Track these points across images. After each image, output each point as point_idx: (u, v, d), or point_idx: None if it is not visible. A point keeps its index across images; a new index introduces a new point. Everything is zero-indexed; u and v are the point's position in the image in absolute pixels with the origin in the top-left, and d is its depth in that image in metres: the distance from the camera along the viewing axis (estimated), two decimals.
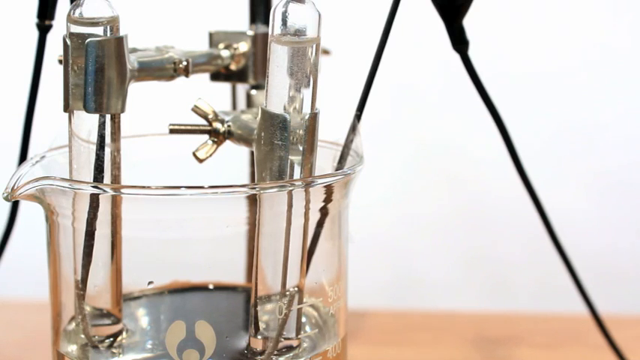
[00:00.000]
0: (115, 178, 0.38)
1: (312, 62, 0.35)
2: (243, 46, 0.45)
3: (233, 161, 0.44)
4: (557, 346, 0.58)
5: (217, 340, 0.36)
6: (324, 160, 0.39)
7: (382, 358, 0.56)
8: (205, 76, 0.45)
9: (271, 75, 0.35)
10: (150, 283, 0.40)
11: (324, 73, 0.41)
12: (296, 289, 0.36)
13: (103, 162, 0.37)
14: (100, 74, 0.36)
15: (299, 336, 0.37)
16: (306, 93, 0.35)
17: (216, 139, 0.40)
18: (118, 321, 0.39)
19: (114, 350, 0.38)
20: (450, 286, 0.72)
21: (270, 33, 0.35)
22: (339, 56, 0.52)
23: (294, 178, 0.35)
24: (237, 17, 0.49)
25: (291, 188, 0.35)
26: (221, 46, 0.45)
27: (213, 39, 0.46)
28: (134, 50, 0.39)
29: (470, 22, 0.40)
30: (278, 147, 0.35)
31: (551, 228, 0.45)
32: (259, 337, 0.37)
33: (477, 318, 0.62)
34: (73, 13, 0.36)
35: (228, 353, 0.37)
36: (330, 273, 0.39)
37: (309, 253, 0.37)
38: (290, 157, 0.35)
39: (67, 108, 0.36)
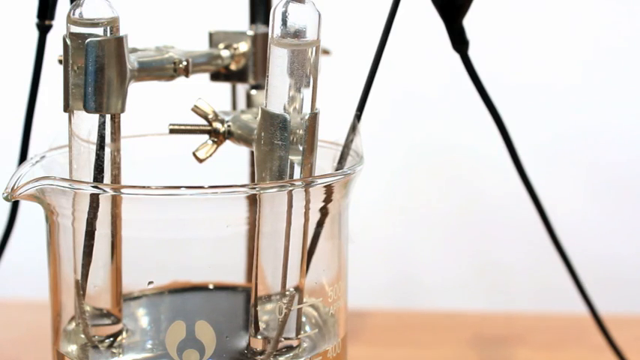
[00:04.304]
0: (115, 178, 0.38)
1: (312, 62, 0.35)
2: (243, 46, 0.45)
3: (233, 161, 0.44)
4: (557, 346, 0.58)
5: (217, 340, 0.36)
6: (324, 160, 0.39)
7: (382, 358, 0.56)
8: (205, 76, 0.45)
9: (271, 75, 0.35)
10: (150, 283, 0.40)
11: (324, 73, 0.41)
12: (296, 289, 0.36)
13: (103, 162, 0.37)
14: (100, 74, 0.36)
15: (299, 336, 0.37)
16: (306, 93, 0.35)
17: (216, 139, 0.40)
18: (118, 321, 0.39)
19: (114, 350, 0.38)
20: (450, 286, 0.72)
21: (270, 33, 0.35)
22: (339, 56, 0.52)
23: (294, 178, 0.35)
24: (237, 17, 0.49)
25: (291, 188, 0.35)
26: (221, 46, 0.45)
27: (213, 39, 0.46)
28: (134, 50, 0.39)
29: (470, 23, 0.40)
30: (278, 147, 0.35)
31: (551, 228, 0.45)
32: (259, 337, 0.37)
33: (477, 318, 0.62)
34: (73, 14, 0.36)
35: (228, 353, 0.37)
36: (330, 273, 0.39)
37: (309, 253, 0.37)
38: (290, 157, 0.35)
39: (67, 108, 0.36)
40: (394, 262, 0.72)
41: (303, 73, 0.35)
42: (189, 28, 0.53)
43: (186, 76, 0.40)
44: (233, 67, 0.45)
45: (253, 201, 0.36)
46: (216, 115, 0.40)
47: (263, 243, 0.36)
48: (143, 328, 0.41)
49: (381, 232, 0.71)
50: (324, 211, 0.38)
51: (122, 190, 0.36)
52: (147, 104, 0.48)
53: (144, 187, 0.34)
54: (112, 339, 0.39)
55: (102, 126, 0.37)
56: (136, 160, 0.40)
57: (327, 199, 0.37)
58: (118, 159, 0.38)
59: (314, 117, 0.35)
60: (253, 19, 0.47)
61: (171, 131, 0.40)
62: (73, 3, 0.36)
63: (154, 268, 0.39)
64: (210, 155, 0.40)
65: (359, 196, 0.42)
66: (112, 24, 0.36)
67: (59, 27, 0.39)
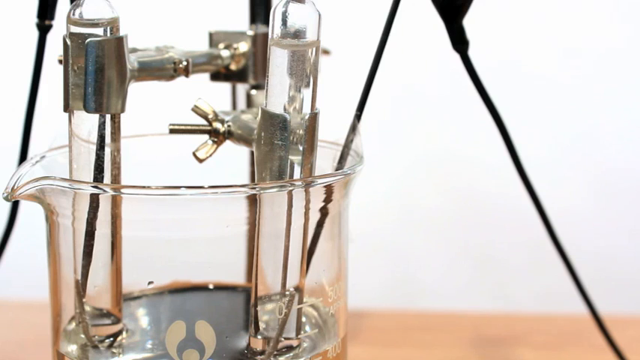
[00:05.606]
0: (115, 178, 0.38)
1: (312, 62, 0.35)
2: (243, 46, 0.45)
3: (233, 161, 0.44)
4: (557, 346, 0.58)
5: (217, 340, 0.36)
6: (324, 160, 0.39)
7: (382, 358, 0.56)
8: (205, 76, 0.45)
9: (271, 75, 0.35)
10: (150, 283, 0.40)
11: (324, 73, 0.41)
12: (296, 289, 0.36)
13: (103, 162, 0.37)
14: (100, 74, 0.36)
15: (299, 336, 0.37)
16: (306, 93, 0.35)
17: (216, 139, 0.40)
18: (118, 321, 0.39)
19: (114, 350, 0.38)
20: (450, 286, 0.72)
21: (270, 33, 0.35)
22: (339, 56, 0.52)
23: (294, 178, 0.35)
24: (237, 17, 0.49)
25: (291, 188, 0.35)
26: (221, 46, 0.45)
27: (213, 39, 0.46)
28: (134, 50, 0.39)
29: (470, 23, 0.40)
30: (278, 147, 0.35)
31: (551, 228, 0.45)
32: (259, 337, 0.37)
33: (477, 318, 0.62)
34: (73, 14, 0.36)
35: (228, 353, 0.37)
36: (330, 273, 0.39)
37: (309, 253, 0.37)
38: (290, 157, 0.35)
39: (67, 108, 0.36)
40: (394, 262, 0.72)
41: (303, 73, 0.35)
42: (189, 28, 0.53)
43: (186, 76, 0.40)
44: (233, 67, 0.45)
45: (253, 201, 0.36)
46: (216, 115, 0.40)
47: (263, 243, 0.36)
48: (143, 328, 0.41)
49: (381, 232, 0.71)
50: (324, 211, 0.38)
51: (122, 190, 0.36)
52: (147, 104, 0.48)
53: (144, 187, 0.34)
54: (112, 339, 0.39)
55: (102, 126, 0.37)
56: (136, 160, 0.40)
57: (327, 199, 0.37)
58: (118, 159, 0.38)
59: (314, 117, 0.35)
60: (253, 19, 0.47)
61: (171, 131, 0.40)
62: (73, 3, 0.36)
63: (154, 268, 0.39)
64: (210, 155, 0.40)
65: (359, 196, 0.42)
66: (112, 24, 0.36)
67: (59, 27, 0.39)
